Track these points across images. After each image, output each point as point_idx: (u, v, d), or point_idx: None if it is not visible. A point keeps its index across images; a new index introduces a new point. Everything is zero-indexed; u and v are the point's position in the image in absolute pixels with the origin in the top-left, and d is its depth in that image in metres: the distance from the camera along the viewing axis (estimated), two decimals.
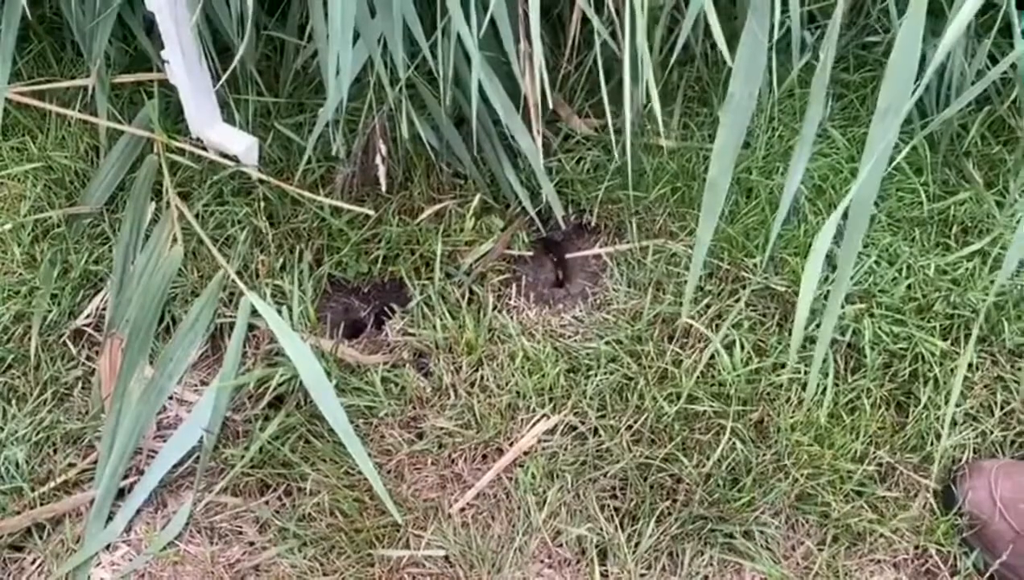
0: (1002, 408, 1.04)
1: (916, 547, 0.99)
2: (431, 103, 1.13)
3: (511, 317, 1.11)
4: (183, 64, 1.05)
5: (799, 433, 1.01)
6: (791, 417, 1.02)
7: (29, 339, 1.07)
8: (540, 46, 0.90)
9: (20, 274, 1.12)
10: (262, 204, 1.16)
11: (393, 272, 1.15)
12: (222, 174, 1.17)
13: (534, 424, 1.03)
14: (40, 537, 0.96)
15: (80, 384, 1.06)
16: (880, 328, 1.06)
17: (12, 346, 1.07)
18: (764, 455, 1.00)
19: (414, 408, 1.05)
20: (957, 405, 1.04)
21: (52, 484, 0.98)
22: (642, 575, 0.95)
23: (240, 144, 1.13)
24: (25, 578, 0.95)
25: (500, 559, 0.95)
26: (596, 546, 0.97)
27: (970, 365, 1.06)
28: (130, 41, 1.25)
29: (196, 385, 1.08)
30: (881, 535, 0.98)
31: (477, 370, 1.06)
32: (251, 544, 0.97)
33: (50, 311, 1.09)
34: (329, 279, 1.15)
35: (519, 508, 0.99)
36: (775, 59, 0.99)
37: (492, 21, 0.93)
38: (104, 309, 1.10)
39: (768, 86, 1.13)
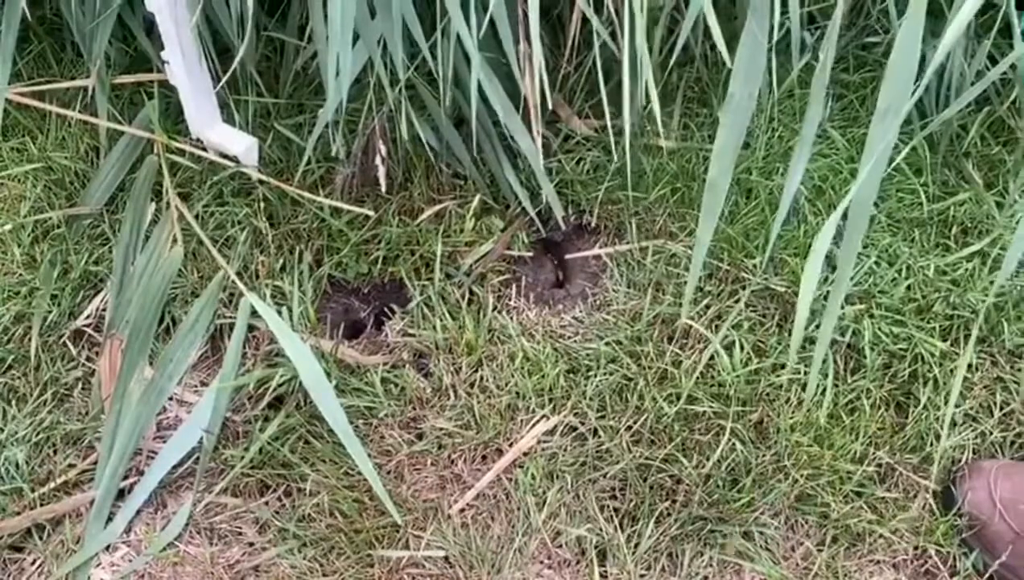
0: (1002, 409, 1.04)
1: (916, 548, 0.99)
2: (431, 104, 1.13)
3: (511, 318, 1.11)
4: (183, 65, 1.05)
5: (799, 434, 1.01)
6: (791, 418, 1.02)
7: (29, 340, 1.07)
8: (540, 47, 0.90)
9: (20, 275, 1.12)
10: (262, 205, 1.16)
11: (393, 273, 1.15)
12: (222, 175, 1.17)
13: (534, 425, 1.03)
14: (40, 538, 0.97)
15: (80, 385, 1.06)
16: (880, 329, 1.06)
17: (12, 347, 1.07)
18: (764, 456, 1.00)
19: (414, 409, 1.05)
20: (957, 406, 1.04)
21: (52, 485, 0.98)
22: (641, 576, 0.95)
23: (240, 145, 1.13)
24: (25, 579, 0.95)
25: (500, 560, 0.95)
26: (596, 547, 0.97)
27: (970, 366, 1.06)
28: (130, 42, 1.26)
29: (196, 386, 1.08)
30: (881, 536, 0.98)
31: (477, 371, 1.06)
32: (251, 545, 0.97)
33: (50, 312, 1.09)
34: (329, 280, 1.15)
35: (519, 509, 0.99)
36: (775, 60, 1.00)
37: (492, 22, 0.93)
38: (104, 310, 1.10)
39: (768, 87, 1.13)
